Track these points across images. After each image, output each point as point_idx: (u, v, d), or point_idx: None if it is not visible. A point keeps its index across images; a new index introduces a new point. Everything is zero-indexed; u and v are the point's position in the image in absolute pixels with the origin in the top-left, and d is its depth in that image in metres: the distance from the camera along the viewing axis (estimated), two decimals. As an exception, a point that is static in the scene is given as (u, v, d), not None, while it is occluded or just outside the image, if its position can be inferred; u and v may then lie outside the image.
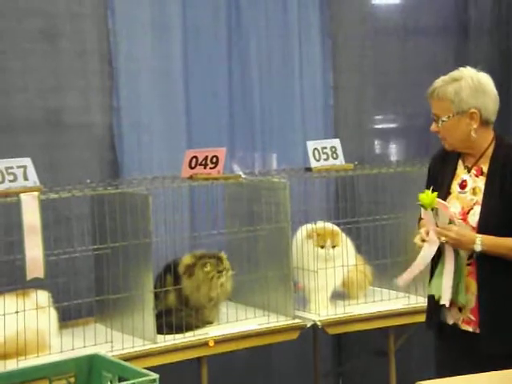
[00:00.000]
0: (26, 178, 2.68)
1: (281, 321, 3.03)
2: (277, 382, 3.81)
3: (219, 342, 2.89)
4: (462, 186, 2.41)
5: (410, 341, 3.50)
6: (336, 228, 3.21)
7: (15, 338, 2.62)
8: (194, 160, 2.99)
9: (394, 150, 4.29)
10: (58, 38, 3.31)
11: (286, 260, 3.05)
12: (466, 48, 4.30)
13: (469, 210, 2.37)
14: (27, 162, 2.71)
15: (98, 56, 3.39)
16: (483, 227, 2.32)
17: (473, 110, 2.35)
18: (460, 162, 2.46)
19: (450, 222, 2.33)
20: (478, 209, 2.35)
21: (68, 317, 2.95)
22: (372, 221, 3.27)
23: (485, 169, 2.39)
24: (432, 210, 2.32)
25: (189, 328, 2.91)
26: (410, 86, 4.14)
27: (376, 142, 4.22)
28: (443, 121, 2.37)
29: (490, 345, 2.32)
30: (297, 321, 3.05)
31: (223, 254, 3.04)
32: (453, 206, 2.40)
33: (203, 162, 3.01)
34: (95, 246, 2.88)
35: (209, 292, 2.97)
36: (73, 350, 2.68)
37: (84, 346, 2.70)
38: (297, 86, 3.86)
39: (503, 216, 2.30)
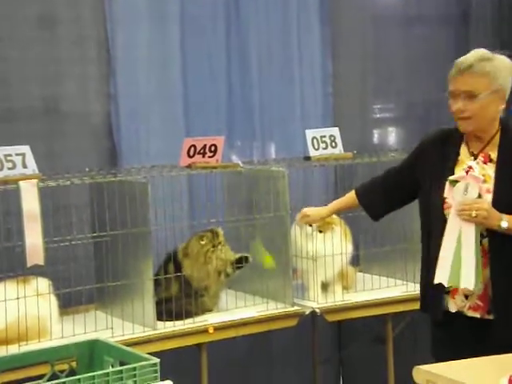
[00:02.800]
0: (24, 166, 2.69)
1: (280, 308, 3.04)
2: (276, 368, 3.83)
3: (219, 328, 2.91)
4: (468, 172, 2.34)
5: (408, 327, 3.52)
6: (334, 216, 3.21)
7: (16, 323, 2.64)
8: (193, 149, 3.00)
9: (393, 139, 4.29)
10: (56, 26, 3.30)
11: (285, 248, 3.06)
12: (466, 36, 4.29)
13: (479, 198, 2.31)
14: (26, 149, 2.71)
15: (96, 44, 3.39)
16: None
17: (506, 89, 2.34)
18: (464, 148, 2.40)
19: (480, 196, 2.27)
20: (488, 196, 2.30)
21: (68, 304, 2.97)
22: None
23: (493, 155, 2.35)
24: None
25: (188, 315, 2.92)
26: (410, 75, 4.14)
27: (376, 131, 4.22)
28: (481, 97, 2.28)
29: (503, 332, 2.30)
30: (296, 308, 3.07)
31: (220, 230, 3.05)
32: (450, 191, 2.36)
33: (202, 151, 3.01)
34: (94, 234, 2.89)
35: (205, 266, 2.98)
36: (74, 336, 2.69)
37: (85, 332, 2.71)
38: (296, 75, 3.86)
39: None
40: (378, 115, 4.21)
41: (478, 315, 2.37)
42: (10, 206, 2.72)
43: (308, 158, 3.27)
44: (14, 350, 2.57)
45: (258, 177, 3.14)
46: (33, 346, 2.59)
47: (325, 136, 3.32)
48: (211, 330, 2.87)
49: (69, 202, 2.95)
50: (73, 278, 2.88)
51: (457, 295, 2.39)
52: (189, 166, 3.02)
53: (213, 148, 3.04)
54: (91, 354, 2.05)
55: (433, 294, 2.41)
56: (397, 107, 4.25)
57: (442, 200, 2.34)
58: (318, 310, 3.08)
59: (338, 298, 3.14)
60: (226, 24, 3.68)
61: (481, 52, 2.37)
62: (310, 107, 3.90)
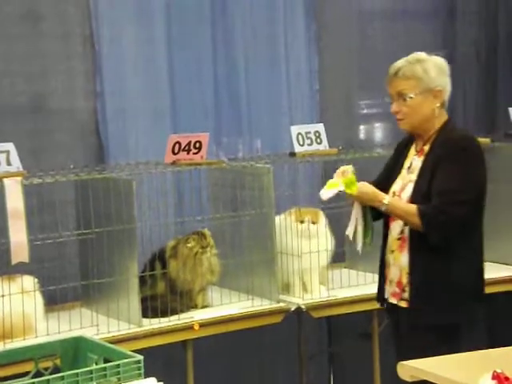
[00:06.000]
0: (9, 163, 2.69)
1: (265, 304, 3.05)
2: (263, 365, 3.84)
3: (204, 325, 2.91)
4: (409, 166, 2.51)
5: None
6: (317, 209, 3.22)
7: (2, 321, 2.65)
8: (177, 145, 3.00)
9: (379, 135, 4.30)
10: (41, 22, 3.29)
11: (270, 245, 3.07)
12: (453, 31, 4.30)
13: (404, 188, 2.48)
14: (10, 146, 2.71)
15: (82, 40, 3.38)
16: (413, 203, 2.42)
17: (439, 88, 2.42)
18: (413, 145, 2.55)
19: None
20: (411, 186, 2.45)
21: (54, 301, 2.96)
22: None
23: (427, 149, 2.47)
24: None
25: (174, 312, 2.93)
26: (397, 71, 4.14)
27: (362, 127, 4.23)
28: (410, 97, 2.42)
29: (413, 318, 2.43)
30: (281, 304, 3.08)
31: (207, 231, 3.06)
32: (396, 184, 2.53)
33: (186, 148, 3.01)
34: (79, 231, 2.89)
35: (194, 268, 2.99)
36: (59, 333, 2.69)
37: (70, 330, 2.72)
38: (282, 71, 3.86)
39: (428, 192, 2.39)
40: (364, 111, 4.22)
41: (395, 301, 2.51)
42: (-6, 203, 2.71)
43: (293, 155, 3.28)
44: (-1, 347, 2.58)
45: (242, 173, 3.15)
46: (18, 343, 2.59)
47: (310, 132, 3.33)
48: (196, 327, 2.88)
49: (53, 199, 2.94)
50: (58, 275, 2.88)
51: (387, 283, 2.53)
52: (174, 163, 3.02)
53: (197, 145, 3.04)
54: (75, 351, 2.06)
55: (378, 282, 2.60)
56: (383, 103, 4.24)
57: (393, 193, 2.51)
58: (303, 307, 3.09)
59: (324, 294, 3.15)
60: (211, 20, 3.68)
61: (413, 55, 2.47)
62: (296, 103, 3.91)
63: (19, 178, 2.63)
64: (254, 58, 3.79)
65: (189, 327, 2.89)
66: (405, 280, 2.45)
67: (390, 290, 2.53)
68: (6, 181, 2.61)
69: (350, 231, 2.59)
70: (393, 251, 2.51)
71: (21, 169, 2.70)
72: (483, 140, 3.60)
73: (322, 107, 3.97)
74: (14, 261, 2.62)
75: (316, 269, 3.18)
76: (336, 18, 4.04)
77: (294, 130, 3.30)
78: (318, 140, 3.33)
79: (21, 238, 2.60)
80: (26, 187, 2.64)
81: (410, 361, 2.00)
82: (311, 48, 3.94)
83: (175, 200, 3.41)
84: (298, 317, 3.43)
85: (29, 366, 2.05)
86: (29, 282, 2.80)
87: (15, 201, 2.59)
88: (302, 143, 3.29)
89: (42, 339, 2.57)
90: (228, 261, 3.14)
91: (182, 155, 3.02)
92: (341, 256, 3.49)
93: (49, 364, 2.04)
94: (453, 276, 2.41)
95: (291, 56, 3.89)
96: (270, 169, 3.06)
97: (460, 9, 4.31)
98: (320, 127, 3.36)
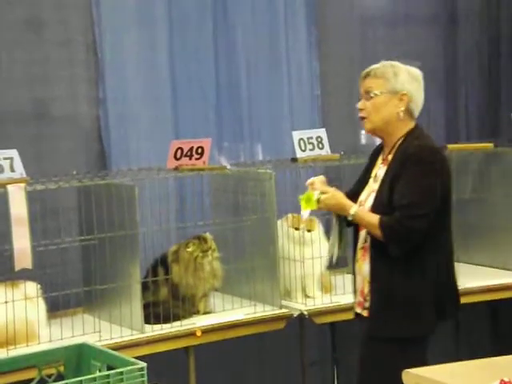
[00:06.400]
0: (12, 170, 2.70)
1: (267, 311, 3.05)
2: (266, 371, 3.84)
3: (206, 331, 2.92)
4: (376, 175, 2.52)
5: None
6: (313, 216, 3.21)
7: (4, 328, 2.65)
8: (180, 151, 3.01)
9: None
10: (44, 29, 3.30)
11: (272, 250, 3.07)
12: (454, 35, 4.31)
13: (368, 197, 2.49)
14: (13, 153, 2.72)
15: (84, 47, 3.39)
16: (375, 213, 2.42)
17: (404, 93, 2.44)
18: (381, 154, 2.56)
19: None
20: (373, 195, 2.46)
21: (57, 307, 2.96)
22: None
23: (390, 158, 2.48)
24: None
25: (176, 318, 2.93)
26: (398, 75, 4.14)
27: (363, 132, 4.23)
28: (375, 94, 2.44)
29: (372, 329, 2.44)
30: (283, 310, 3.08)
31: (208, 235, 3.06)
32: (363, 193, 2.53)
33: (188, 153, 3.02)
34: (82, 237, 2.90)
35: (196, 272, 2.99)
36: (61, 339, 2.70)
37: (72, 336, 2.72)
38: (283, 76, 3.87)
39: (389, 203, 2.39)
40: (366, 116, 4.22)
41: (359, 310, 2.52)
42: (-2, 209, 2.72)
43: (295, 160, 3.29)
44: (2, 354, 2.58)
45: (244, 179, 3.15)
46: (21, 350, 2.59)
47: (312, 137, 3.33)
48: (199, 333, 2.88)
49: (56, 205, 2.95)
50: (61, 282, 2.89)
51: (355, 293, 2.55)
52: (176, 169, 3.03)
53: (199, 150, 3.05)
54: (78, 358, 2.06)
55: (353, 291, 2.60)
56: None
57: (359, 203, 2.51)
58: (305, 313, 3.09)
59: (319, 301, 3.14)
60: (213, 26, 3.69)
61: (388, 61, 2.50)
62: (297, 108, 3.91)
63: (23, 185, 2.64)
64: (255, 63, 3.80)
65: (191, 333, 2.89)
66: (366, 289, 2.46)
67: (355, 299, 2.56)
68: (9, 187, 2.61)
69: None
70: (357, 260, 2.52)
71: (24, 175, 2.71)
72: (486, 145, 3.62)
73: (323, 112, 3.98)
74: (17, 267, 2.63)
75: (311, 275, 3.17)
76: (337, 23, 4.04)
77: (296, 135, 3.31)
78: (320, 145, 3.34)
79: (24, 244, 2.61)
80: (29, 193, 2.65)
81: (415, 368, 1.98)
82: (312, 53, 3.95)
83: (177, 205, 3.42)
84: (301, 323, 3.43)
85: (32, 373, 2.05)
86: (32, 288, 2.80)
87: (19, 207, 2.60)
88: (303, 148, 3.30)
89: (45, 346, 2.59)
90: (230, 266, 3.14)
91: (185, 161, 3.03)
92: (343, 262, 3.48)
93: (52, 371, 2.04)
94: (411, 288, 2.39)
95: (292, 61, 3.89)
96: (271, 174, 3.06)
97: (461, 14, 4.32)
98: (322, 132, 3.37)
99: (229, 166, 3.25)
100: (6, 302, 2.66)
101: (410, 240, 2.36)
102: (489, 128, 4.32)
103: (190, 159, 3.04)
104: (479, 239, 3.68)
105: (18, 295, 2.72)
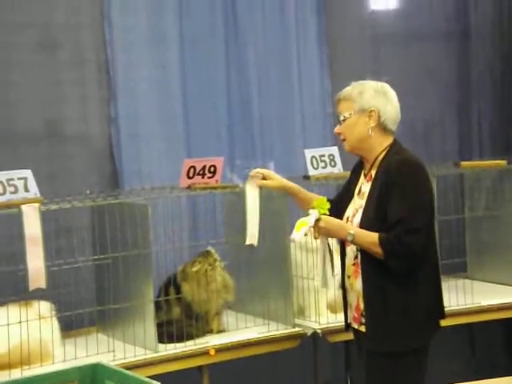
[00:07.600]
0: (26, 190, 2.71)
1: (281, 329, 3.05)
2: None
3: (220, 350, 2.91)
4: (359, 191, 2.53)
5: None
6: None
7: (19, 347, 2.66)
8: (192, 170, 3.01)
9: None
10: (56, 50, 3.34)
11: (285, 268, 3.07)
12: (467, 53, 4.31)
13: (355, 213, 2.49)
14: (28, 173, 2.73)
15: (96, 66, 3.42)
16: (363, 229, 2.42)
17: (372, 109, 2.47)
18: (363, 170, 2.58)
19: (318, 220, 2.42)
20: (361, 212, 2.47)
21: (70, 326, 2.97)
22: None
23: (373, 174, 2.49)
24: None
25: (189, 337, 2.93)
26: (410, 93, 4.14)
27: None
28: (345, 117, 2.49)
29: (371, 343, 2.43)
30: (297, 329, 3.07)
31: (210, 249, 3.07)
32: (349, 209, 2.53)
33: (201, 172, 3.02)
34: (96, 257, 2.90)
35: (208, 286, 3.00)
36: (75, 359, 2.70)
37: (86, 356, 2.73)
38: (295, 94, 3.88)
39: (377, 219, 2.39)
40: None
41: (356, 326, 2.51)
42: (12, 229, 2.74)
43: (307, 178, 3.28)
44: (16, 374, 2.58)
45: (257, 197, 3.15)
46: (35, 370, 2.60)
47: (324, 155, 3.33)
48: (212, 352, 2.88)
49: (70, 224, 2.96)
50: (75, 301, 2.89)
51: (349, 307, 2.53)
52: (189, 187, 3.04)
53: (212, 169, 3.06)
54: (93, 377, 2.05)
55: (343, 307, 2.59)
56: (397, 126, 4.25)
57: (346, 219, 2.52)
58: (319, 331, 3.08)
59: (340, 318, 3.12)
60: (225, 45, 3.72)
61: (359, 81, 2.55)
62: (310, 126, 3.93)
63: (37, 205, 2.65)
64: (267, 81, 3.82)
65: (205, 352, 2.88)
66: (362, 305, 2.46)
67: (350, 314, 2.55)
68: (24, 207, 2.62)
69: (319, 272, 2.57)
70: (349, 276, 2.52)
71: (38, 195, 2.72)
72: (499, 162, 3.60)
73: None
74: (31, 287, 2.63)
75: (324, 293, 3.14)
76: (349, 41, 4.06)
77: (308, 153, 3.31)
78: (332, 163, 3.34)
79: (38, 264, 2.61)
80: (43, 213, 2.66)
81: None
82: (324, 71, 3.97)
83: (190, 224, 3.42)
84: (314, 341, 3.41)
85: (47, 394, 2.05)
86: (45, 307, 2.81)
87: (33, 227, 2.60)
88: (316, 166, 3.30)
89: (59, 365, 2.59)
90: (243, 284, 3.13)
91: (197, 179, 3.04)
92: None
93: (67, 391, 2.04)
94: (406, 301, 2.39)
95: (304, 79, 3.91)
96: (283, 192, 3.05)
97: (474, 30, 4.32)
98: (334, 150, 3.37)
99: (241, 185, 3.25)
100: (20, 322, 2.67)
101: (410, 256, 2.36)
102: (502, 145, 4.31)
103: (203, 178, 3.04)
104: (493, 256, 3.66)
105: (32, 315, 2.73)
